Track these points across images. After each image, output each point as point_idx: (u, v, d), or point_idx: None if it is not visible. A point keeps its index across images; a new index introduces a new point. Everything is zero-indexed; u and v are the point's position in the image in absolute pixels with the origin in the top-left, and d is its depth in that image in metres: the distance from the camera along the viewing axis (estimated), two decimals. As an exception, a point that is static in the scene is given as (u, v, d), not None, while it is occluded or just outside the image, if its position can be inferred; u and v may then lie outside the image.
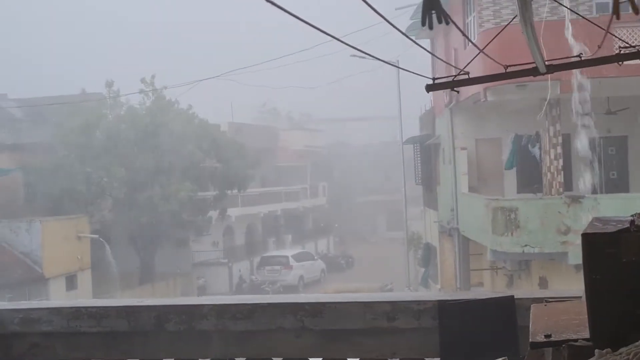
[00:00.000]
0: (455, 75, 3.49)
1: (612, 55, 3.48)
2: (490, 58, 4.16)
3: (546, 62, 3.40)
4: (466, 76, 3.51)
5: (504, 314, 3.55)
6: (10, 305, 4.83)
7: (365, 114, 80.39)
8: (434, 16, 2.61)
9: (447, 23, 2.73)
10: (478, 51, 4.55)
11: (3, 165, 34.89)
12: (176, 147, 39.68)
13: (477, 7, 20.20)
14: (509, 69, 3.48)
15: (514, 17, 2.96)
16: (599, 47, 3.63)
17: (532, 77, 3.67)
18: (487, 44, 4.29)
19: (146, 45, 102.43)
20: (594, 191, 21.39)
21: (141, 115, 38.52)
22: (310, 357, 4.35)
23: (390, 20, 2.89)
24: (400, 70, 36.73)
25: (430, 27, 2.68)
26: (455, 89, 3.53)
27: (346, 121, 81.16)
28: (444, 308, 3.74)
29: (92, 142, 37.47)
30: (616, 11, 2.93)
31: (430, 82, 3.46)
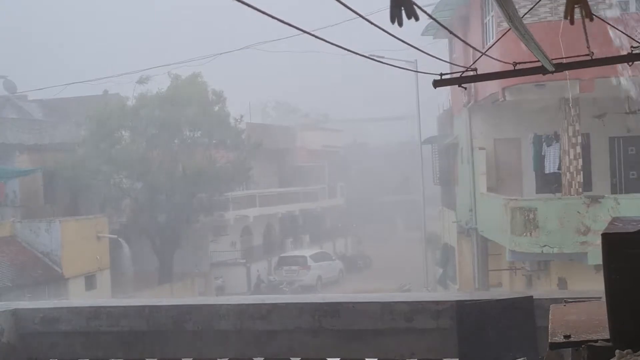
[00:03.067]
0: (462, 72, 3.49)
1: (623, 55, 3.46)
2: (494, 59, 4.14)
3: (554, 61, 3.38)
4: (473, 73, 3.51)
5: (523, 314, 3.51)
6: (31, 305, 4.87)
7: (383, 114, 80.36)
8: (404, 12, 2.58)
9: (417, 19, 2.70)
10: (497, 50, 4.53)
11: (23, 166, 35.20)
12: (193, 147, 39.84)
13: (495, 6, 20.10)
14: (518, 67, 3.47)
15: (507, 29, 2.95)
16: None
17: (549, 75, 3.65)
18: (491, 46, 4.27)
19: (160, 42, 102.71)
20: (614, 191, 21.26)
21: (158, 112, 38.42)
22: (328, 357, 4.35)
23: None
24: (418, 69, 36.61)
25: (400, 24, 2.64)
26: (469, 87, 3.53)
27: (364, 121, 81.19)
28: (462, 308, 3.72)
29: (111, 142, 37.68)
30: (569, 16, 2.93)
31: (438, 78, 3.46)
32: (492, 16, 20.98)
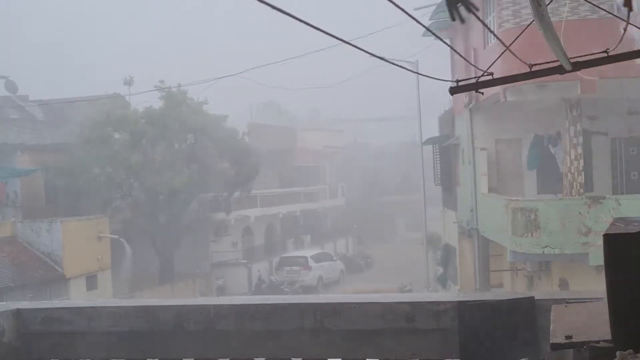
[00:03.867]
0: (479, 77, 3.43)
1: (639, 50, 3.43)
2: (517, 57, 4.11)
3: (571, 60, 3.33)
4: (490, 77, 3.44)
5: (524, 314, 3.48)
6: (32, 305, 4.86)
7: (384, 114, 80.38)
8: (462, 9, 2.57)
9: (476, 10, 2.68)
10: (499, 51, 4.51)
11: (24, 167, 35.18)
12: (195, 148, 39.86)
13: (497, 7, 20.11)
14: (534, 68, 3.40)
15: (532, 21, 2.92)
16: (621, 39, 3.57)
17: (552, 76, 3.63)
18: (512, 42, 4.24)
19: (163, 46, 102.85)
20: (615, 192, 21.25)
21: (159, 115, 38.57)
22: (329, 357, 4.34)
23: (408, 21, 2.88)
24: (419, 70, 36.63)
25: (462, 20, 2.63)
26: (479, 90, 3.47)
27: (365, 121, 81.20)
28: (463, 309, 3.69)
29: (112, 143, 37.71)
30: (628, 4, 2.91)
31: (453, 84, 3.39)
32: (494, 17, 20.97)
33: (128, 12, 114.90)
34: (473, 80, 3.45)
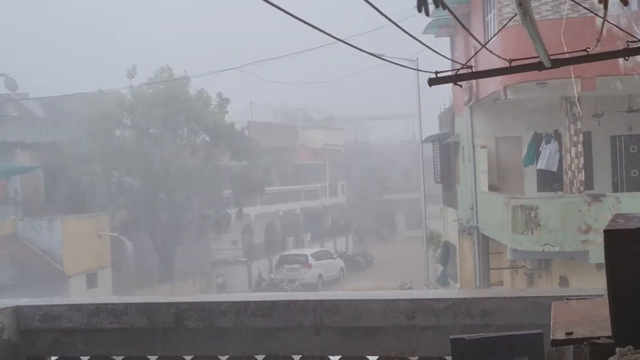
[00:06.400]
0: (458, 69, 3.45)
1: (620, 50, 3.44)
2: (493, 53, 4.12)
3: (551, 57, 3.34)
4: (469, 70, 3.47)
5: (530, 351, 2.99)
6: (32, 302, 4.86)
7: (384, 113, 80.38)
8: (430, 4, 2.59)
9: (445, 7, 2.71)
10: (498, 48, 4.52)
11: (25, 164, 35.17)
12: (195, 146, 39.84)
13: (498, 4, 20.08)
14: (513, 63, 3.43)
15: (515, 15, 2.93)
16: (598, 41, 3.58)
17: (551, 73, 3.63)
18: (489, 40, 4.26)
19: (164, 38, 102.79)
20: (615, 189, 21.26)
21: (159, 108, 38.40)
22: (329, 355, 4.35)
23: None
24: (420, 68, 36.58)
25: (427, 13, 2.65)
26: (470, 85, 3.50)
27: (365, 120, 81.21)
28: (459, 346, 3.20)
29: (112, 140, 37.69)
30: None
31: (433, 76, 3.40)
32: (494, 14, 20.95)
33: (128, 9, 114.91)
34: (452, 73, 3.47)
